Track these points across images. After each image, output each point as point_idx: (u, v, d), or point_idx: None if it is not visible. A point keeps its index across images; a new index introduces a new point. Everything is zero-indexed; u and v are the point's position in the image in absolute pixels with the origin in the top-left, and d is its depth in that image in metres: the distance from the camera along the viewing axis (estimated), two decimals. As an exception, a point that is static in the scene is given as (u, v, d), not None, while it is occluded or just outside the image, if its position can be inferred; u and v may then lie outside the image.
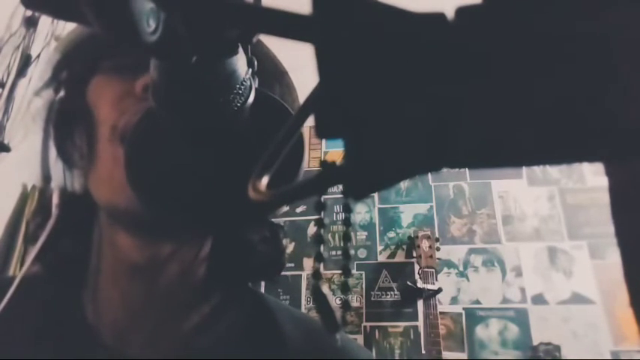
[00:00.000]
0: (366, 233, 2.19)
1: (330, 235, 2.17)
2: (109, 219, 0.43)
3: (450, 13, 0.14)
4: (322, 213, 0.18)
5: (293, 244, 2.16)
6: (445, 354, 1.73)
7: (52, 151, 0.43)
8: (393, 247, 2.14)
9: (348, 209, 0.19)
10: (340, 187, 0.15)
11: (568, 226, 2.04)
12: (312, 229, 2.18)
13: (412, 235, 2.02)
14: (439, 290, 1.82)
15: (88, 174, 0.40)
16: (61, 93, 0.43)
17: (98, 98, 0.40)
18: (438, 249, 1.94)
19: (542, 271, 1.98)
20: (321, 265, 0.19)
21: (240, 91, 0.27)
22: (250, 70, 0.28)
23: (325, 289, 0.19)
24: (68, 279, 0.46)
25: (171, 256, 0.42)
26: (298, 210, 2.21)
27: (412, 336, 1.95)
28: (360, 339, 1.96)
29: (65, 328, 0.43)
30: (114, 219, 0.42)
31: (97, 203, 0.44)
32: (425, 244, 1.93)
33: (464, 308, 1.97)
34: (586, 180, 2.11)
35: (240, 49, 0.26)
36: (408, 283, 1.97)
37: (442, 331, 1.79)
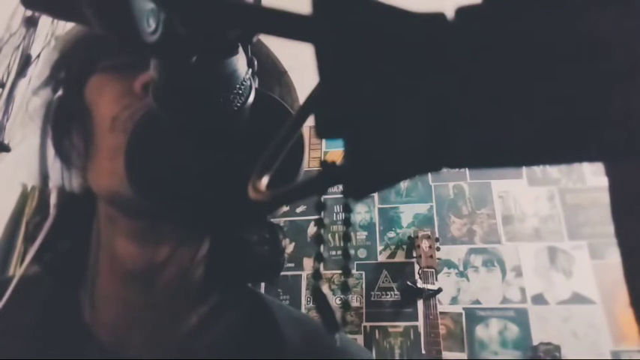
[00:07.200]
0: (366, 233, 2.19)
1: (330, 235, 2.17)
2: (107, 210, 0.42)
3: (450, 13, 0.14)
4: (322, 213, 0.18)
5: (293, 244, 2.16)
6: (445, 354, 1.73)
7: (50, 151, 0.43)
8: (393, 247, 2.14)
9: (348, 209, 0.19)
10: (340, 187, 0.15)
11: (568, 226, 2.04)
12: (312, 229, 2.18)
13: (412, 235, 2.02)
14: (439, 290, 1.82)
15: (87, 169, 0.40)
16: (60, 92, 0.43)
17: (97, 96, 0.40)
18: (438, 249, 1.94)
19: (542, 271, 1.98)
20: (321, 265, 0.19)
21: (240, 91, 0.27)
22: (250, 70, 0.28)
23: (325, 289, 0.19)
24: (65, 279, 0.46)
25: (169, 257, 0.42)
26: (298, 210, 2.21)
27: (412, 336, 1.95)
28: (360, 339, 1.96)
29: (62, 328, 0.43)
30: (114, 207, 0.41)
31: (95, 202, 0.43)
32: (425, 244, 1.93)
33: (464, 308, 1.97)
34: (586, 180, 2.11)
35: (240, 49, 0.26)
36: (408, 283, 1.97)
37: (442, 331, 1.79)
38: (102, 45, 0.41)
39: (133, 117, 0.36)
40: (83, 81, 0.42)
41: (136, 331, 0.43)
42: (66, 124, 0.42)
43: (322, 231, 0.19)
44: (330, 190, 0.18)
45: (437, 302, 1.81)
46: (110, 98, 0.39)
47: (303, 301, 2.09)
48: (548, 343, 1.78)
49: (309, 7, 0.14)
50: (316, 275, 0.19)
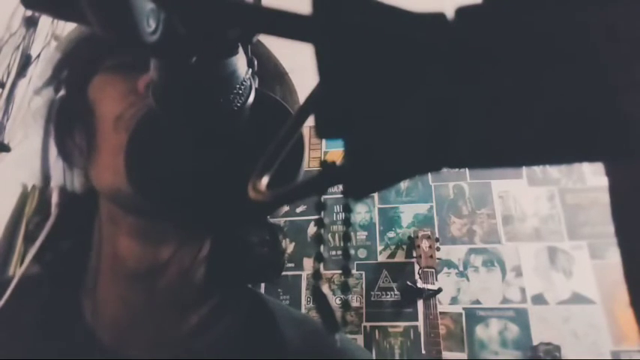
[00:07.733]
0: (366, 233, 2.19)
1: (330, 235, 2.17)
2: (110, 208, 0.42)
3: (450, 13, 0.14)
4: (322, 213, 0.18)
5: (293, 244, 2.16)
6: (445, 354, 1.73)
7: (53, 150, 0.43)
8: (393, 247, 2.14)
9: (348, 209, 0.19)
10: (340, 187, 0.15)
11: (568, 226, 2.04)
12: (312, 229, 2.18)
13: (412, 235, 2.02)
14: (439, 290, 1.83)
15: (89, 167, 0.40)
16: (62, 92, 0.43)
17: (101, 95, 0.40)
18: (438, 249, 1.94)
19: (542, 271, 1.98)
20: (321, 265, 0.19)
21: (240, 91, 0.27)
22: (250, 70, 0.28)
23: (325, 289, 0.19)
24: (66, 279, 0.46)
25: (171, 257, 0.42)
26: (298, 210, 2.21)
27: (412, 336, 1.95)
28: (360, 339, 1.96)
29: (62, 328, 0.43)
30: (117, 205, 0.41)
31: (97, 202, 0.43)
32: (425, 244, 1.93)
33: (464, 308, 1.97)
34: (586, 180, 2.11)
35: (240, 49, 0.26)
36: (408, 283, 1.97)
37: (442, 331, 1.79)
38: (105, 44, 0.41)
39: (137, 116, 0.36)
40: (86, 80, 0.42)
41: (137, 331, 0.43)
42: (68, 123, 0.42)
43: (322, 231, 0.19)
44: (330, 190, 0.18)
45: (437, 302, 1.81)
46: (113, 97, 0.39)
47: (303, 301, 2.09)
48: (548, 343, 1.78)
49: (309, 7, 0.14)
50: (316, 275, 0.19)
